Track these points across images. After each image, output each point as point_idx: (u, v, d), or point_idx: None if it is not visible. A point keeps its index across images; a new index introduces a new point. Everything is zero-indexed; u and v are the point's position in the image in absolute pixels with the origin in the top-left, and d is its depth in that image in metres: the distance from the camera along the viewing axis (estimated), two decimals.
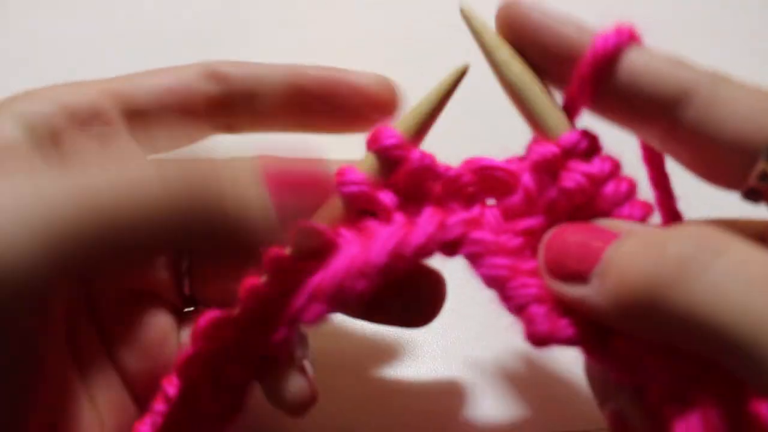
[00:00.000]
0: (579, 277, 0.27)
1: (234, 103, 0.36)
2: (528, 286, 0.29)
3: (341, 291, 0.27)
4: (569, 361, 0.32)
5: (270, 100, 0.36)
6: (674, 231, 0.25)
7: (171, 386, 0.30)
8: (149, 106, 0.34)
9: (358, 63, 0.37)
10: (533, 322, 0.28)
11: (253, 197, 0.26)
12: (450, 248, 0.30)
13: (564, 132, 0.31)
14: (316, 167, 0.29)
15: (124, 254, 0.24)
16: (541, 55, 0.31)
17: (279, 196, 0.26)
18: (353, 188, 0.31)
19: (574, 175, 0.30)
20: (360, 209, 0.31)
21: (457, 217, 0.31)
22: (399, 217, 0.31)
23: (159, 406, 0.30)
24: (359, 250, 0.28)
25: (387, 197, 0.31)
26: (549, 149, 0.31)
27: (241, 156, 0.27)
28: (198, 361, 0.29)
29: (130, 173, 0.23)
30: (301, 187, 0.27)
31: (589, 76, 0.29)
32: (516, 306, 0.29)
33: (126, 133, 0.34)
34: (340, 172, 0.31)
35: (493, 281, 0.29)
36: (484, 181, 0.33)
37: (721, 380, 0.25)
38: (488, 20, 0.33)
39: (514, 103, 0.33)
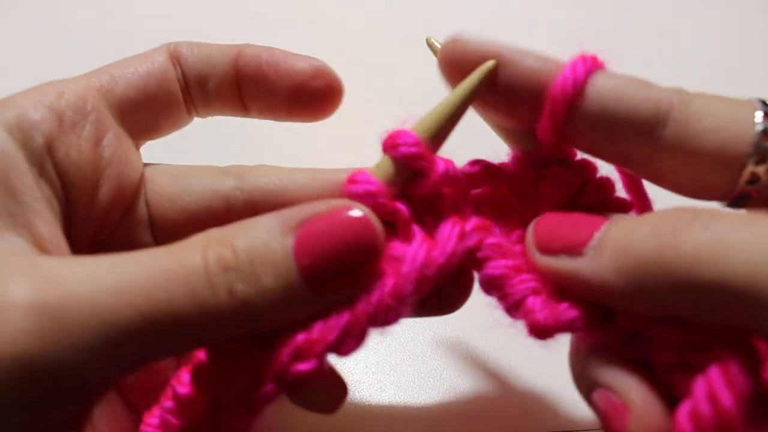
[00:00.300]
0: (571, 250, 0.27)
1: (189, 85, 0.35)
2: (526, 281, 0.28)
3: (374, 324, 0.27)
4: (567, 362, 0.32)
5: (216, 81, 0.35)
6: (667, 209, 0.26)
7: (181, 385, 0.29)
8: (133, 94, 0.33)
9: (359, 63, 0.36)
10: (533, 311, 0.27)
11: (286, 283, 0.26)
12: (469, 255, 0.29)
13: (537, 142, 0.31)
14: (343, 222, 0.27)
15: (164, 352, 0.25)
16: (507, 92, 0.29)
17: (313, 271, 0.26)
18: (369, 201, 0.29)
19: (553, 180, 0.31)
20: None
21: (473, 223, 0.30)
22: (417, 231, 0.29)
23: (168, 402, 0.29)
24: (385, 279, 0.27)
25: (404, 208, 0.29)
26: (525, 160, 0.31)
27: (269, 222, 0.26)
28: (218, 375, 0.27)
29: (182, 275, 0.24)
30: (334, 255, 0.26)
31: (558, 113, 0.28)
32: (515, 302, 0.28)
33: (117, 126, 0.32)
34: (352, 179, 0.29)
35: (494, 281, 0.29)
36: (492, 183, 0.32)
37: (732, 343, 0.24)
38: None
39: (487, 121, 0.33)
